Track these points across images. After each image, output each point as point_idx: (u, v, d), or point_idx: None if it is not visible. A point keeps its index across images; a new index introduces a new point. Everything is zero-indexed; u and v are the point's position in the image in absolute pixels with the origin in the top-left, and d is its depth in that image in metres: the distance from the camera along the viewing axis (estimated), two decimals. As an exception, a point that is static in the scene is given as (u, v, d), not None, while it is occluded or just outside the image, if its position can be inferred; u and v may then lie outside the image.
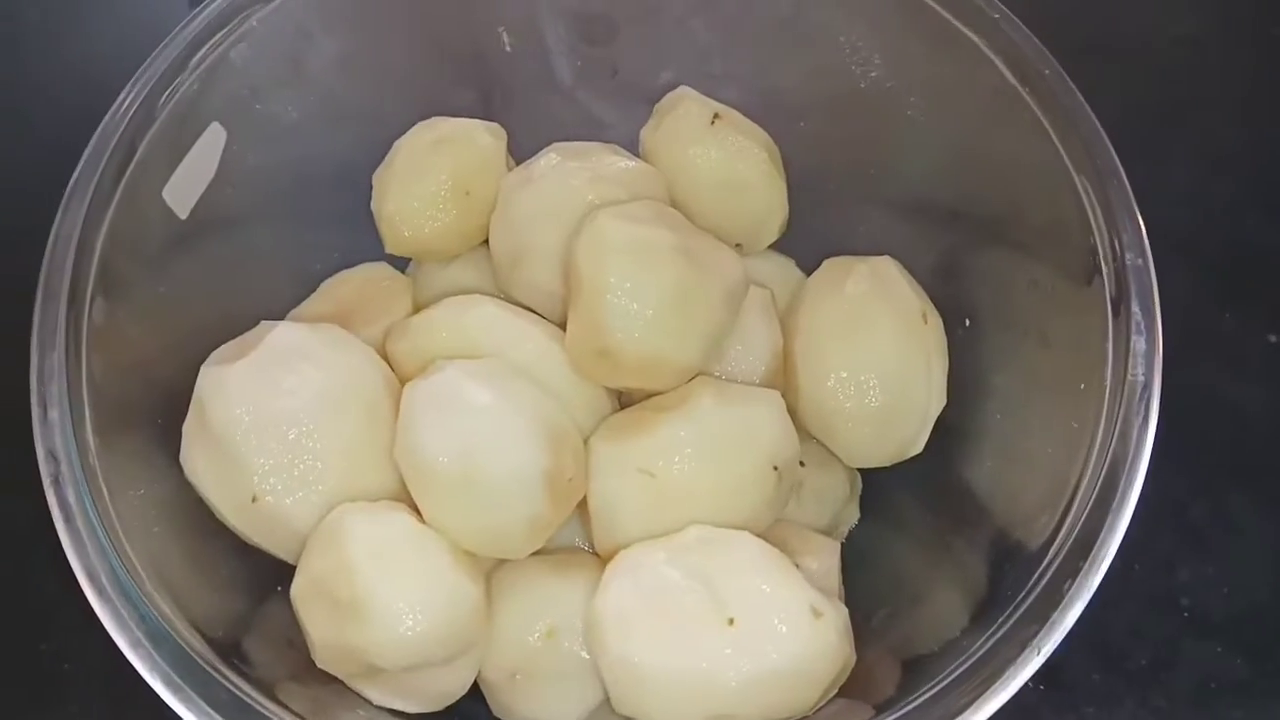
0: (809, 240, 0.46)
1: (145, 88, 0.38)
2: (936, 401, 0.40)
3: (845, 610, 0.33)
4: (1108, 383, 0.33)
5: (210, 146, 0.40)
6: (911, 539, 0.41)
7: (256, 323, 0.37)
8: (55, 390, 0.32)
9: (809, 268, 0.45)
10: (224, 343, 0.37)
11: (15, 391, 0.32)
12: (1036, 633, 0.29)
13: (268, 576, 0.37)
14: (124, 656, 0.30)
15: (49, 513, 0.31)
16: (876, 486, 0.44)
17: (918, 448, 0.40)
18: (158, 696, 0.29)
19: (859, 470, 0.44)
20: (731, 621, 0.31)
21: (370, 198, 0.44)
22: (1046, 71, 0.37)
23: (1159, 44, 0.61)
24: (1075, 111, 0.36)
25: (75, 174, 0.36)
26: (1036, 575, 0.30)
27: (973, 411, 0.40)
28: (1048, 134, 0.36)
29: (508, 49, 0.50)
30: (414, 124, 0.45)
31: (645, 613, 0.32)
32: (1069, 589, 0.29)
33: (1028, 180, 0.38)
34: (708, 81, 0.46)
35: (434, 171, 0.42)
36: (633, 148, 0.45)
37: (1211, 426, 0.50)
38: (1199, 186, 0.57)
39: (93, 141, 0.36)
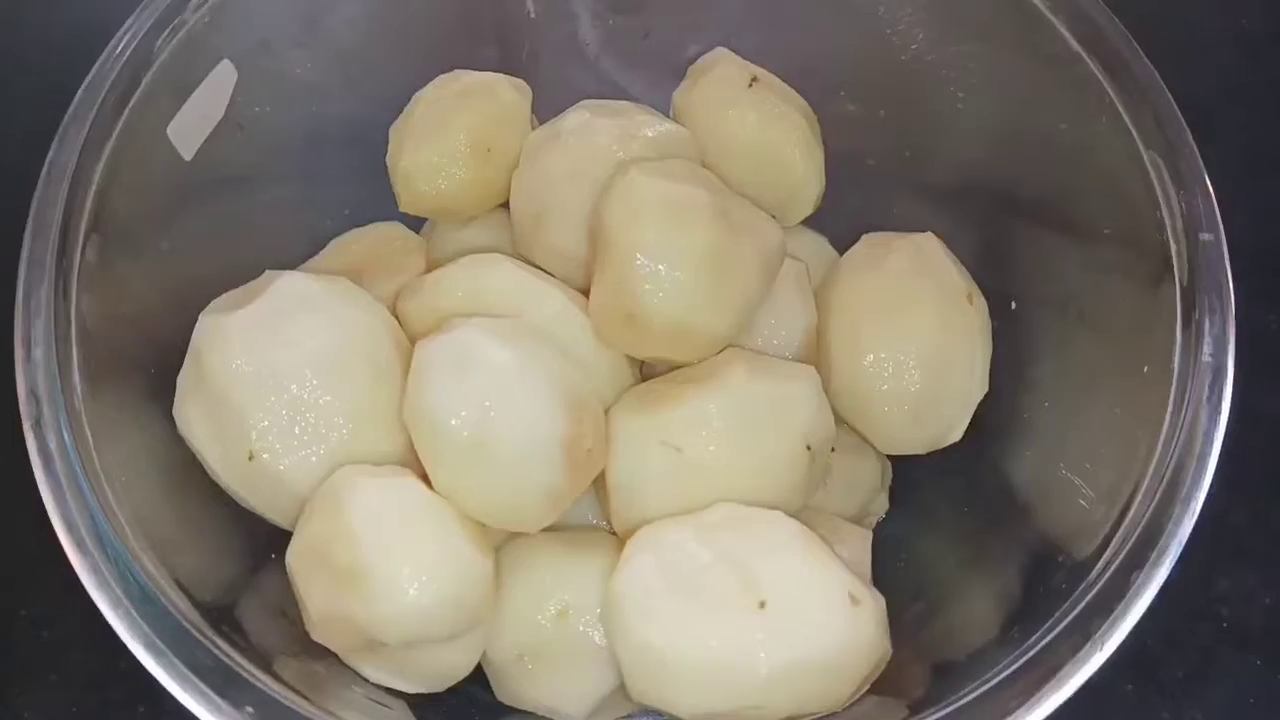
0: (843, 219, 0.44)
1: (152, 18, 0.35)
2: (979, 387, 0.38)
3: (883, 599, 0.31)
4: (1175, 366, 0.30)
5: (219, 86, 0.38)
6: (946, 532, 0.39)
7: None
8: (41, 327, 0.30)
9: (842, 247, 0.43)
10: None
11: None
12: (1100, 626, 0.27)
13: (261, 542, 0.35)
14: (106, 624, 0.27)
15: (33, 473, 0.29)
16: (907, 477, 0.42)
17: (956, 435, 0.38)
18: (140, 665, 0.27)
19: (889, 459, 0.41)
20: (763, 605, 0.29)
21: (384, 156, 0.42)
22: (1113, 35, 0.35)
23: (1207, 39, 0.59)
24: (1145, 80, 0.34)
25: (74, 102, 0.33)
26: (1100, 566, 0.28)
27: (1017, 399, 0.38)
28: (1113, 104, 0.34)
29: (532, 15, 0.48)
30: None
31: (669, 593, 0.30)
32: (1136, 580, 0.27)
33: (1086, 154, 0.36)
34: (739, 54, 0.44)
35: (454, 125, 0.40)
36: (661, 118, 0.43)
37: (1252, 434, 0.48)
38: (1243, 186, 0.55)
39: (94, 70, 0.34)
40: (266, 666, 0.29)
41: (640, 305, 0.34)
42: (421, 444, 0.32)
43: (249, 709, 0.27)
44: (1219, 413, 0.29)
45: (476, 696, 0.35)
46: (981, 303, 0.38)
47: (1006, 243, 0.40)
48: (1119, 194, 0.34)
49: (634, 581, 0.30)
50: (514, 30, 0.48)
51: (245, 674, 0.27)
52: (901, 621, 0.34)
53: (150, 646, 0.27)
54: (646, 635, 0.29)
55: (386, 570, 0.30)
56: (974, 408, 0.38)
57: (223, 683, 0.27)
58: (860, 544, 0.36)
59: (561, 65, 0.48)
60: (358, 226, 0.44)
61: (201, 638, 0.28)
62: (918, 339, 0.37)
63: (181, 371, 0.33)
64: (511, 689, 0.34)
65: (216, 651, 0.27)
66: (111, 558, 0.28)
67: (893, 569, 0.38)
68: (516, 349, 0.33)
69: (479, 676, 0.35)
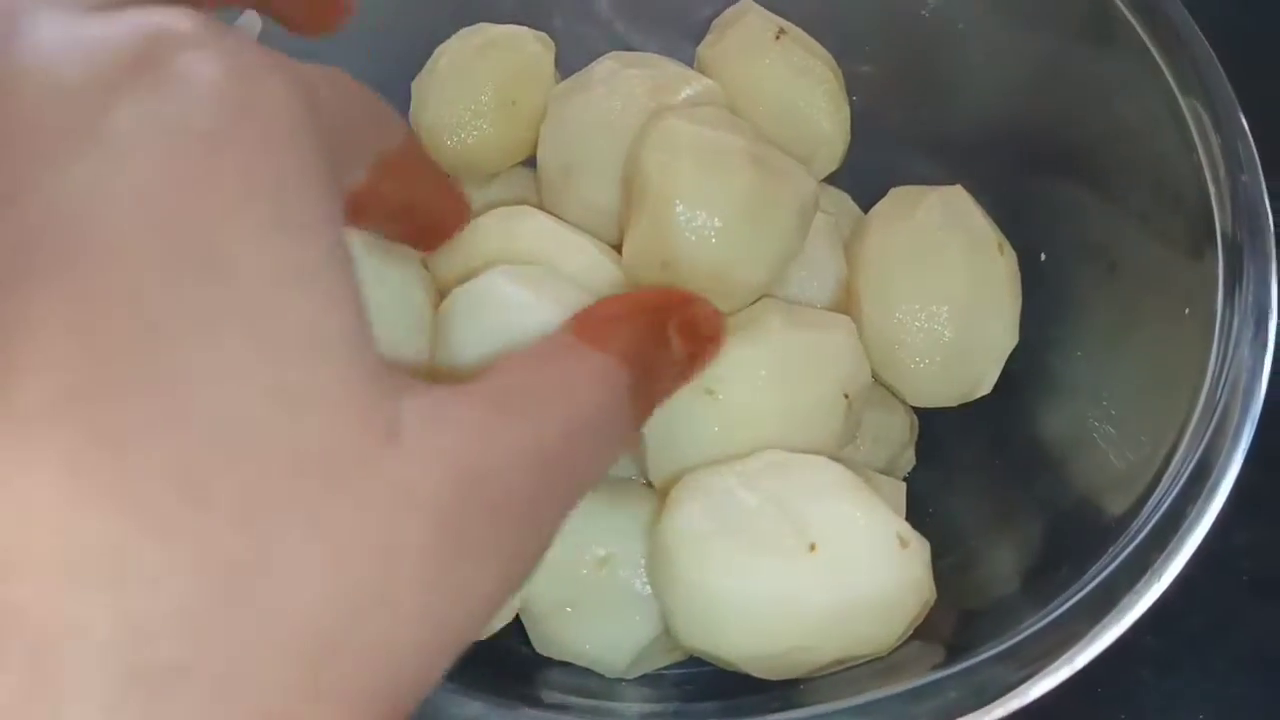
0: (864, 176, 0.44)
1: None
2: (1010, 338, 0.38)
3: (928, 543, 0.31)
4: (1219, 308, 0.30)
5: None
6: (976, 485, 0.38)
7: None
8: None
9: (864, 205, 0.43)
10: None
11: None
12: (1156, 559, 0.27)
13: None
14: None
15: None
16: (931, 432, 0.42)
17: (986, 388, 0.38)
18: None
19: (916, 414, 0.41)
20: (813, 547, 0.29)
21: (408, 112, 0.42)
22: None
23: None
24: (1178, 23, 0.34)
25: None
26: (1153, 503, 0.28)
27: (1048, 351, 0.38)
28: (1147, 49, 0.34)
29: (544, -25, 0.47)
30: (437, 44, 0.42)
31: (719, 536, 0.29)
32: (1191, 513, 0.27)
33: (1118, 102, 0.36)
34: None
35: (479, 77, 0.40)
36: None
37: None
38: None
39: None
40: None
41: (677, 253, 0.33)
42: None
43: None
44: (1266, 349, 0.29)
45: (514, 649, 0.34)
46: (1011, 253, 0.38)
47: (1034, 196, 0.40)
48: (1154, 142, 0.34)
49: (683, 525, 0.30)
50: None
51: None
52: (937, 571, 0.34)
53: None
54: (698, 578, 0.29)
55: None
56: (1005, 359, 0.38)
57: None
58: (895, 495, 0.36)
59: (574, 24, 0.48)
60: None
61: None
62: (948, 290, 0.37)
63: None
64: (552, 639, 0.33)
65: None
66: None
67: (922, 523, 0.38)
68: (538, 290, 0.32)
69: (517, 629, 0.34)
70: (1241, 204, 0.31)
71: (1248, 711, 0.42)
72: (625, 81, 0.38)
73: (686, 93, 0.38)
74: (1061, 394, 0.37)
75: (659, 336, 0.25)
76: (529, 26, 0.46)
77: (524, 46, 0.41)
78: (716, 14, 0.44)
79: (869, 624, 0.29)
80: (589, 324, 0.23)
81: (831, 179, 0.44)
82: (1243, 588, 0.44)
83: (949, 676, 0.26)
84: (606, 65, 0.39)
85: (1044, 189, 0.40)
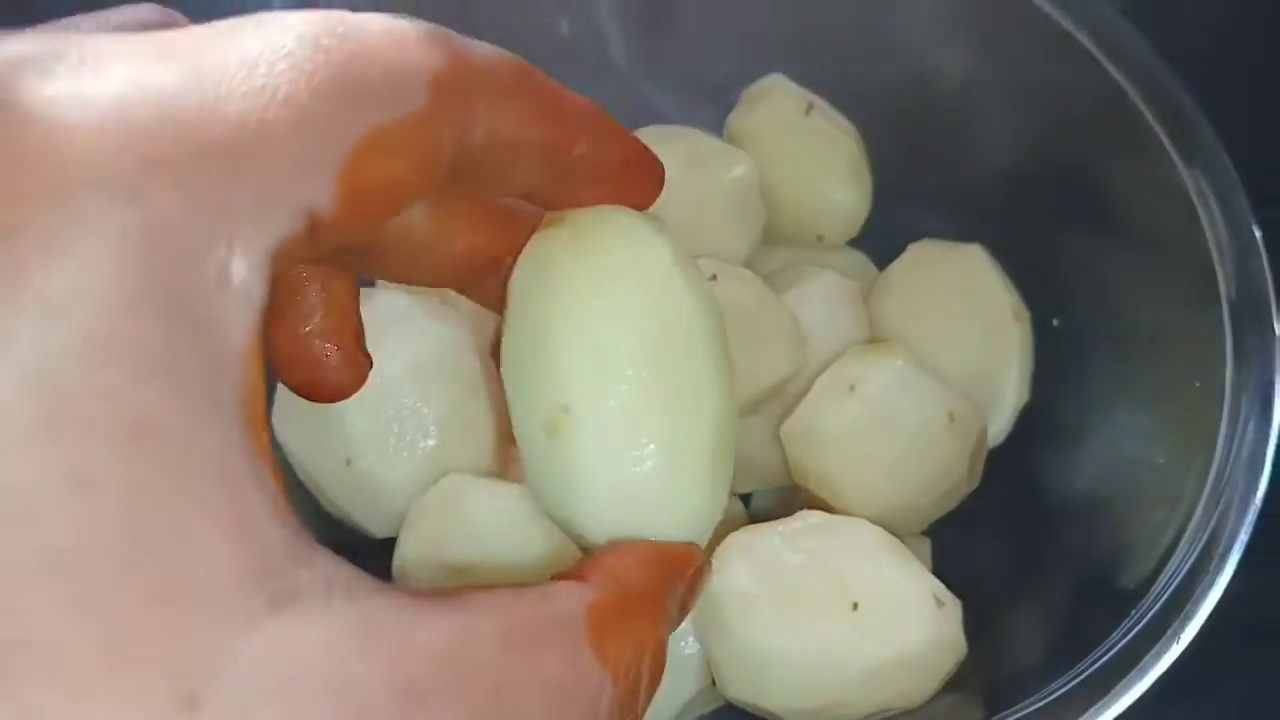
0: (880, 235, 0.46)
1: None
2: (1020, 396, 0.40)
3: (960, 602, 0.33)
4: (1227, 384, 0.33)
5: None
6: (995, 538, 0.40)
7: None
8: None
9: (881, 263, 0.45)
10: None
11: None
12: (1175, 620, 0.29)
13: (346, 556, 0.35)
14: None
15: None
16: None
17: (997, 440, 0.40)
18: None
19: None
20: (855, 606, 0.31)
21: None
22: (1145, 58, 0.37)
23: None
24: (1178, 99, 0.36)
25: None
26: (1170, 569, 0.30)
27: (1058, 411, 0.40)
28: (1153, 129, 0.37)
29: (565, 34, 0.49)
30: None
31: (766, 594, 0.31)
32: (1206, 579, 0.29)
33: (1124, 174, 0.38)
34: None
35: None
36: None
37: None
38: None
39: None
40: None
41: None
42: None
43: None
44: (1271, 426, 0.31)
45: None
46: (1026, 316, 0.40)
47: (1046, 258, 0.42)
48: (1159, 213, 0.37)
49: (731, 584, 0.31)
50: (547, 50, 0.49)
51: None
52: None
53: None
54: (746, 633, 0.31)
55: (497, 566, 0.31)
56: (1015, 415, 0.40)
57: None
58: (922, 551, 0.38)
59: (594, 84, 0.50)
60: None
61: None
62: (963, 354, 0.39)
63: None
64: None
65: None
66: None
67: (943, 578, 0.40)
68: None
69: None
70: (1246, 283, 0.33)
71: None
72: (661, 153, 0.40)
73: (718, 166, 0.40)
74: (1076, 453, 0.39)
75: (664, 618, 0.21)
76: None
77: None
78: (735, 76, 0.46)
79: (906, 680, 0.31)
80: (601, 618, 0.19)
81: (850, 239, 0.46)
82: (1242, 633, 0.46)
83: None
84: (642, 137, 0.41)
85: (1055, 252, 0.42)
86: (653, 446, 0.22)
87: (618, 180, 0.23)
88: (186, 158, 0.15)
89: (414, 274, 0.24)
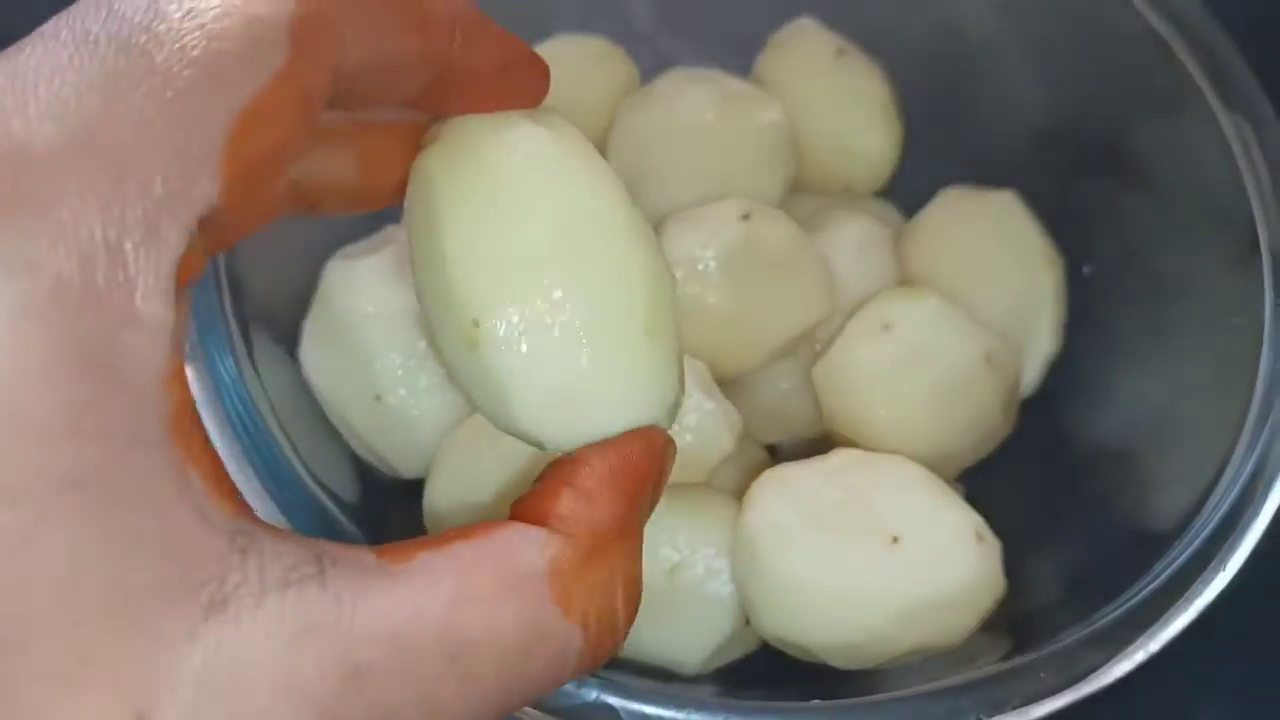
0: (909, 186, 0.45)
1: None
2: (1053, 343, 0.40)
3: (999, 541, 0.32)
4: (1266, 318, 0.32)
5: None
6: (1027, 487, 0.40)
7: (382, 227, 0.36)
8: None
9: (909, 214, 0.44)
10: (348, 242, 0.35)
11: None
12: (1219, 550, 0.28)
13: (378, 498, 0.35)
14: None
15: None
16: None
17: (1028, 390, 0.40)
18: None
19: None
20: (896, 540, 0.30)
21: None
22: (1187, 8, 0.37)
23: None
24: (1219, 44, 0.36)
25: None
26: (1214, 501, 0.30)
27: (1091, 359, 0.40)
28: (1190, 73, 0.36)
29: (585, -5, 0.49)
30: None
31: (803, 528, 0.31)
32: (1251, 508, 0.29)
33: (1162, 118, 0.38)
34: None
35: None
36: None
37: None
38: None
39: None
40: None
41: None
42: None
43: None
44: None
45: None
46: (1059, 262, 0.40)
47: (1079, 207, 0.41)
48: (1198, 156, 0.36)
49: (767, 519, 0.31)
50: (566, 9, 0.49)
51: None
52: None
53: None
54: (784, 570, 0.30)
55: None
56: (1048, 364, 0.40)
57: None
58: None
59: (618, 40, 0.49)
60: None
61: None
62: (997, 301, 0.39)
63: (308, 316, 0.34)
64: (629, 642, 0.34)
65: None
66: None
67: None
68: None
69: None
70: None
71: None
72: (691, 95, 0.39)
73: (748, 107, 0.39)
74: (1108, 401, 0.39)
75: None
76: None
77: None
78: (758, 29, 0.46)
79: (947, 615, 0.30)
80: (565, 569, 0.19)
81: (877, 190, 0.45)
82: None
83: (1038, 659, 0.27)
84: (671, 80, 0.40)
85: (1087, 200, 0.42)
86: (579, 340, 0.21)
87: (498, 81, 0.22)
88: (70, 210, 0.15)
89: (365, 206, 0.24)
